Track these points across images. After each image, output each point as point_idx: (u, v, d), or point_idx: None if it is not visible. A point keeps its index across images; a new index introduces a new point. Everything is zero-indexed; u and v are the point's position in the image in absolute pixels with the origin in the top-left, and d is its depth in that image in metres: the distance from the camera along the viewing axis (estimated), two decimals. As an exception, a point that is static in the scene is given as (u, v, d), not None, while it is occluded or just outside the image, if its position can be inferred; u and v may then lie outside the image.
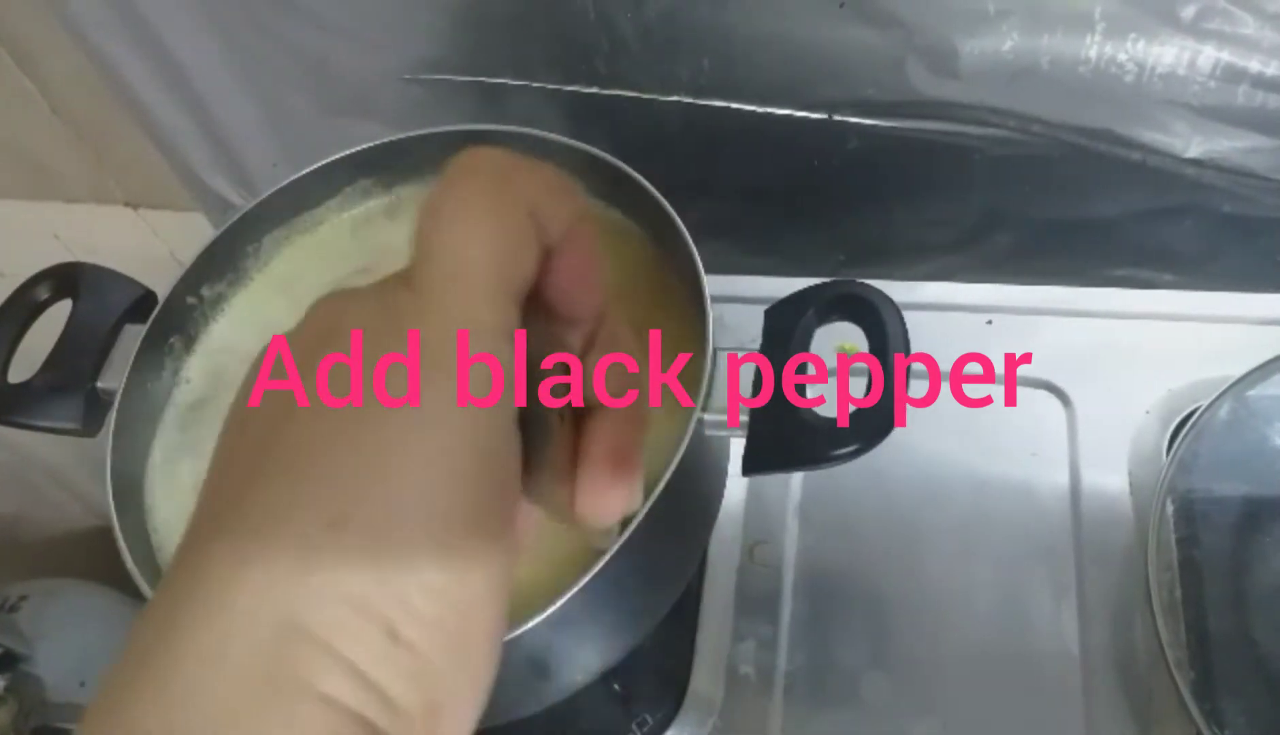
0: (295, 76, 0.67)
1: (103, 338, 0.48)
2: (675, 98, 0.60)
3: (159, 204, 0.83)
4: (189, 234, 0.84)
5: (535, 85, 0.62)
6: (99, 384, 0.47)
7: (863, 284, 0.42)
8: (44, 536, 1.33)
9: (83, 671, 0.97)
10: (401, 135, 0.53)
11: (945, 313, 0.59)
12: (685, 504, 0.44)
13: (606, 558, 0.38)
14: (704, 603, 0.53)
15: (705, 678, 0.51)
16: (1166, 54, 0.52)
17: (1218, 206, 0.57)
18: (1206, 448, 0.49)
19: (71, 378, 0.47)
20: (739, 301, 0.55)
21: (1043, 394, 0.56)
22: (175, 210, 0.82)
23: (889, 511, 0.54)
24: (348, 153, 0.52)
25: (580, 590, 0.37)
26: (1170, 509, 0.48)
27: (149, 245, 0.86)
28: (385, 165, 0.54)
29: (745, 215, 0.64)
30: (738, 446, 0.50)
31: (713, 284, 0.45)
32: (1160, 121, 0.54)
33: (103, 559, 1.37)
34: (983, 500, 0.54)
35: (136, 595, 1.11)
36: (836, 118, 0.58)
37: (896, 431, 0.38)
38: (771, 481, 0.56)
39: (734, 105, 0.59)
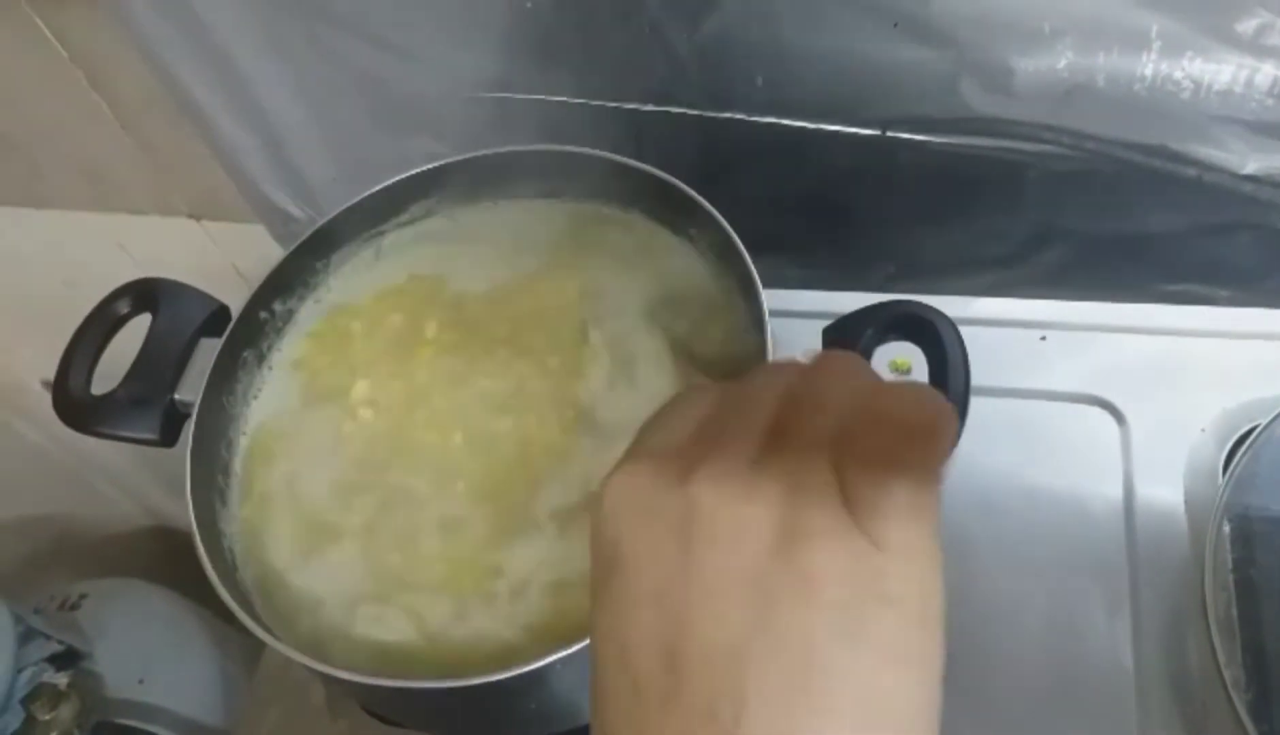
0: (356, 94, 0.69)
1: (180, 351, 0.50)
2: (730, 115, 0.61)
3: (221, 216, 0.85)
4: (249, 245, 0.86)
5: (594, 103, 0.63)
6: (177, 396, 0.49)
7: (923, 305, 0.42)
8: (101, 537, 1.36)
9: (141, 670, 0.99)
10: (465, 156, 0.55)
11: (999, 328, 0.59)
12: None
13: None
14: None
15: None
16: (1223, 71, 0.52)
17: (1274, 222, 0.57)
18: (1264, 466, 0.49)
19: (151, 390, 0.49)
20: (793, 316, 0.56)
21: (1096, 411, 0.56)
22: (236, 222, 0.84)
23: (943, 526, 0.55)
24: (414, 172, 0.54)
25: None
26: (1227, 528, 0.48)
27: (210, 256, 0.88)
28: (449, 185, 0.55)
29: (798, 229, 0.65)
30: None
31: (767, 299, 0.45)
32: (1216, 138, 0.54)
33: (158, 559, 1.41)
34: (1036, 516, 0.54)
35: (193, 596, 1.12)
36: (890, 134, 0.59)
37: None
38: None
39: (788, 122, 0.60)
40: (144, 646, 1.02)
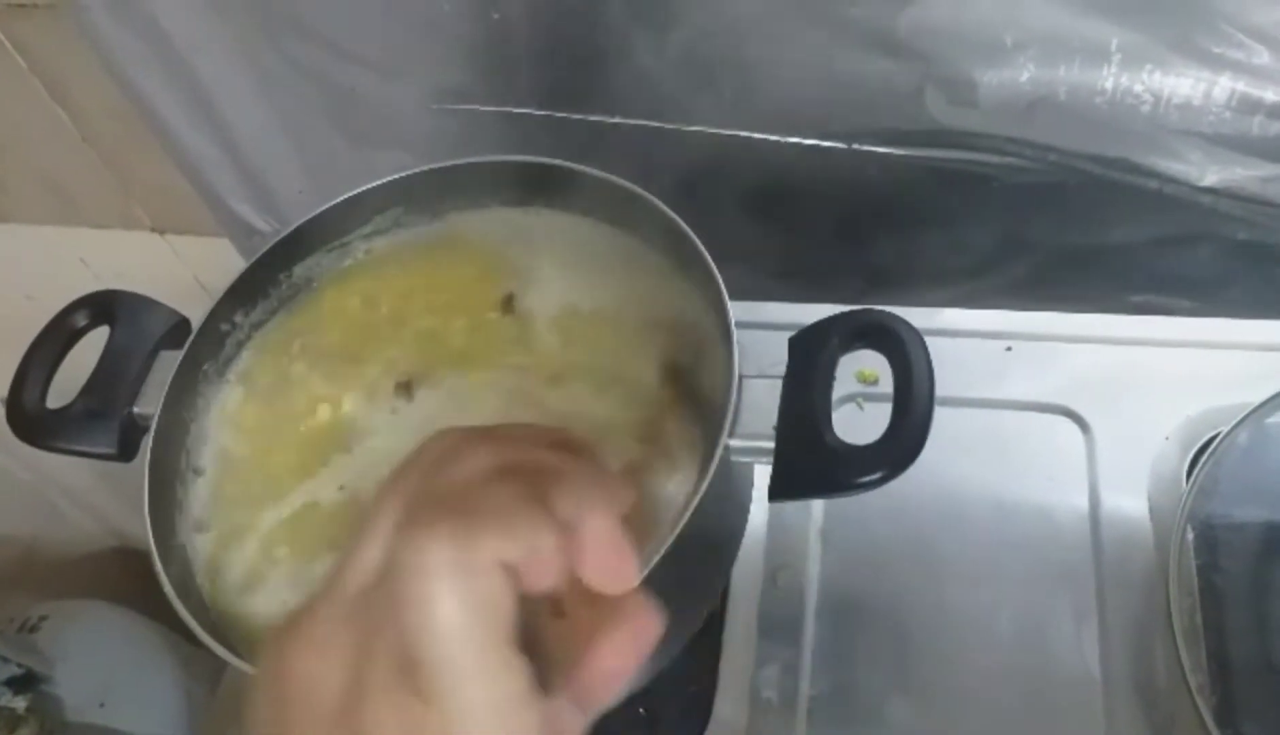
0: (322, 105, 0.69)
1: (139, 364, 0.49)
2: (697, 128, 0.61)
3: (185, 229, 0.84)
4: (214, 259, 0.85)
5: (559, 115, 0.63)
6: (135, 409, 0.48)
7: (888, 313, 0.42)
8: (62, 557, 1.34)
9: (102, 693, 0.98)
10: (431, 166, 0.54)
11: (964, 339, 0.60)
12: (712, 528, 0.45)
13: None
14: (728, 627, 0.53)
15: (729, 702, 0.52)
16: (1182, 85, 0.52)
17: (1233, 234, 0.58)
18: (1226, 474, 0.50)
19: (109, 404, 0.48)
20: (760, 328, 0.56)
21: (1062, 420, 0.57)
22: (201, 235, 0.83)
23: (910, 536, 0.55)
24: (379, 183, 0.53)
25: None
26: (1191, 535, 0.49)
27: (174, 270, 0.87)
28: (414, 195, 0.55)
29: (765, 242, 0.65)
30: (761, 473, 0.51)
31: (733, 310, 0.45)
32: (1176, 151, 0.55)
33: (121, 580, 1.38)
34: (1003, 525, 0.54)
35: (155, 616, 1.10)
36: (856, 147, 0.59)
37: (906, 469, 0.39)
38: (793, 506, 0.56)
39: (755, 135, 0.60)
40: (105, 669, 1.00)
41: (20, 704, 0.89)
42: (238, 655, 0.40)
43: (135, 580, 1.41)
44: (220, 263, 0.85)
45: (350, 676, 0.24)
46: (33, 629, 1.01)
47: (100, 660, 1.00)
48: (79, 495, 1.32)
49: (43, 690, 0.94)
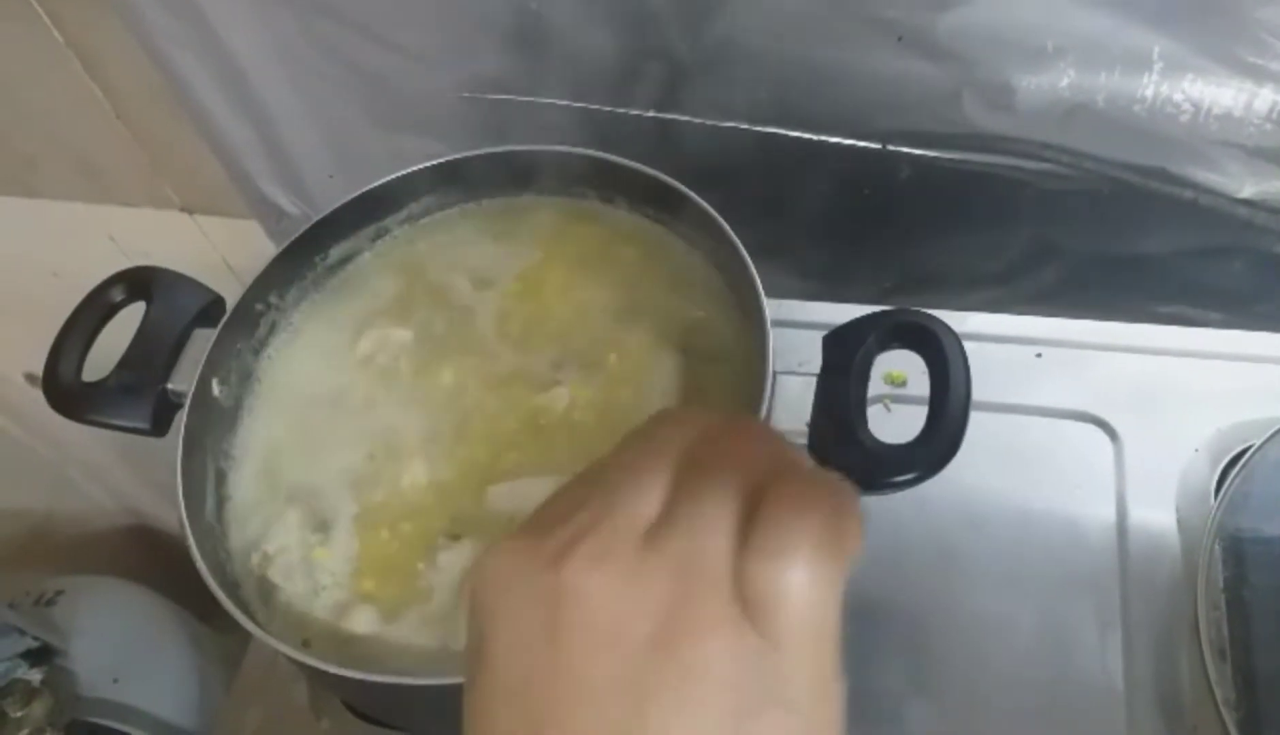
0: (355, 91, 0.69)
1: (174, 341, 0.49)
2: (732, 124, 0.61)
3: (214, 210, 0.84)
4: (241, 240, 0.85)
5: (593, 107, 0.63)
6: (169, 385, 0.48)
7: (925, 314, 0.42)
8: (78, 533, 1.35)
9: (116, 669, 0.98)
10: (466, 153, 0.55)
11: (994, 344, 0.59)
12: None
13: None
14: (749, 624, 0.53)
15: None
16: (1223, 95, 0.52)
17: (1269, 247, 0.58)
18: (1257, 488, 0.49)
19: (144, 379, 0.48)
20: (791, 326, 0.56)
21: (1091, 428, 0.56)
22: (230, 217, 0.84)
23: (934, 538, 0.55)
24: (415, 168, 0.54)
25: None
26: (1219, 548, 0.48)
27: (202, 250, 0.88)
28: (449, 182, 0.55)
29: (797, 240, 0.65)
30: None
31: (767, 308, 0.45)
32: (1214, 161, 0.55)
33: (137, 558, 1.39)
34: (1028, 532, 0.54)
35: (170, 595, 1.11)
36: (891, 148, 0.59)
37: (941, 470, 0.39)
38: (818, 505, 0.56)
39: (790, 133, 0.60)
40: (120, 645, 1.00)
41: (36, 677, 0.90)
42: (266, 631, 0.41)
43: (149, 558, 1.42)
44: (248, 244, 0.85)
45: (667, 610, 0.21)
46: (48, 603, 1.02)
47: (115, 636, 1.01)
48: (97, 472, 1.33)
49: (58, 664, 0.94)
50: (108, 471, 1.33)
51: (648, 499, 0.23)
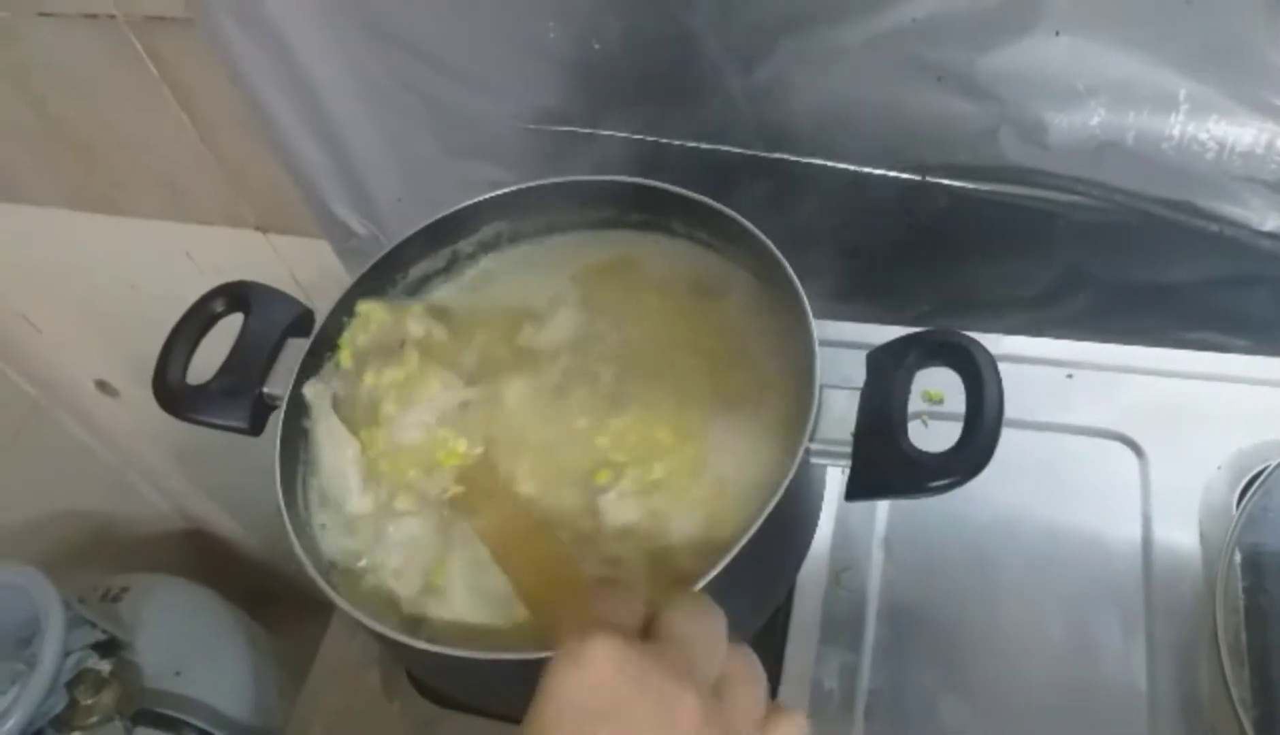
0: (424, 119, 0.73)
1: (270, 349, 0.54)
2: (780, 155, 0.65)
3: (286, 229, 0.89)
4: (310, 257, 0.90)
5: (650, 139, 0.67)
6: (265, 389, 0.53)
7: (962, 335, 0.46)
8: (137, 535, 1.40)
9: (178, 662, 1.03)
10: (533, 183, 0.59)
11: (1027, 365, 0.62)
12: (789, 520, 0.49)
13: (719, 568, 0.42)
14: (792, 622, 0.57)
15: (791, 693, 0.55)
16: (1246, 134, 0.55)
17: (1290, 278, 0.60)
18: (1275, 503, 0.52)
19: (242, 383, 0.53)
20: (831, 345, 0.60)
21: (1118, 446, 0.59)
22: (301, 236, 0.88)
23: (968, 548, 0.58)
24: (486, 197, 0.58)
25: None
26: (1238, 559, 0.51)
27: (273, 267, 0.93)
28: (516, 210, 0.59)
29: (839, 265, 0.69)
30: (834, 482, 0.55)
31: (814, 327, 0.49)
32: (1238, 196, 0.58)
33: (189, 559, 1.44)
34: (1058, 543, 0.57)
35: (225, 594, 1.15)
36: (930, 179, 0.63)
37: (977, 475, 0.43)
38: (858, 515, 0.60)
39: (834, 164, 0.64)
40: (181, 640, 1.05)
41: (105, 667, 0.94)
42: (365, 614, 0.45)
43: (203, 560, 1.48)
44: (315, 261, 0.90)
45: None
46: (115, 599, 1.07)
47: (176, 632, 1.05)
48: (156, 477, 1.38)
49: (124, 657, 0.98)
50: (165, 477, 1.39)
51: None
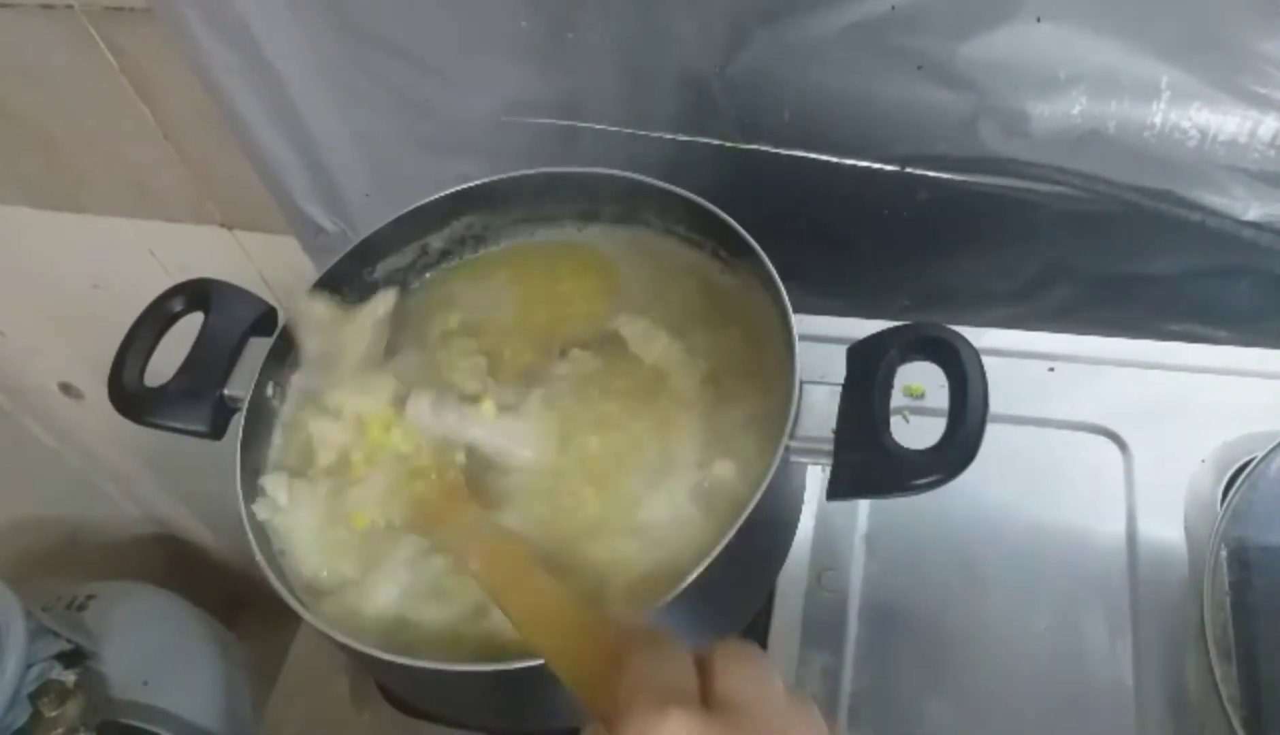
0: (394, 113, 0.72)
1: (231, 349, 0.52)
2: (757, 147, 0.63)
3: (253, 226, 0.87)
4: (278, 255, 0.88)
5: (625, 131, 0.65)
6: (226, 391, 0.51)
7: (945, 328, 0.45)
8: (107, 540, 1.37)
9: (146, 672, 1.00)
10: (503, 176, 0.57)
11: (1008, 358, 0.62)
12: (768, 524, 0.47)
13: (702, 567, 0.41)
14: (773, 625, 0.55)
15: (772, 695, 0.54)
16: (1228, 123, 0.55)
17: (1273, 268, 0.60)
18: (1260, 497, 0.52)
19: (202, 384, 0.51)
20: (812, 340, 0.58)
21: (1101, 440, 0.59)
22: (268, 233, 0.86)
23: (951, 547, 0.57)
24: (455, 190, 0.56)
25: (667, 604, 0.40)
26: (1224, 553, 0.51)
27: (240, 264, 0.91)
28: (487, 203, 0.58)
29: (818, 258, 0.67)
30: (814, 481, 0.54)
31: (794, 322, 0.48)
32: (1220, 185, 0.57)
33: (161, 565, 1.42)
34: (1042, 538, 0.56)
35: (195, 601, 1.13)
36: (909, 171, 0.62)
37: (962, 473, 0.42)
38: (839, 514, 0.59)
39: (812, 155, 0.63)
40: (149, 649, 1.02)
41: (69, 678, 0.92)
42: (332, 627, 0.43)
43: (173, 566, 1.45)
44: (284, 259, 0.88)
45: None
46: (80, 607, 1.04)
47: (145, 640, 1.03)
48: (125, 481, 1.35)
49: (90, 667, 0.96)
50: (133, 482, 1.36)
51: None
